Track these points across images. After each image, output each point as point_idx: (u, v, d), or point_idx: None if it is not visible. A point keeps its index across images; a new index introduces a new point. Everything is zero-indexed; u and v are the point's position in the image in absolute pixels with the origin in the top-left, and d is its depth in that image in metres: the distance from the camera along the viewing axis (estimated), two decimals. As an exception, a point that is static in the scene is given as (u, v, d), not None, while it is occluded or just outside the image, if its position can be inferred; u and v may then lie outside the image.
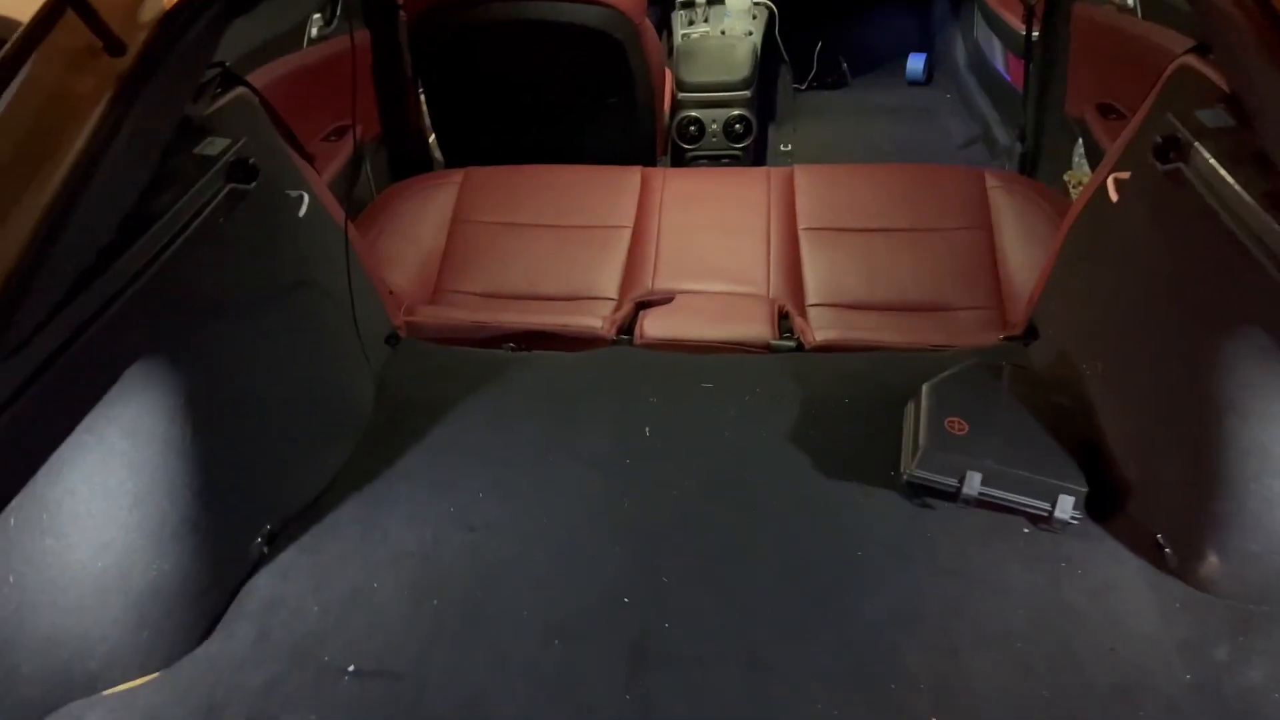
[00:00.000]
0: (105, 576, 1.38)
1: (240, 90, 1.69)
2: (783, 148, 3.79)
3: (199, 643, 1.46)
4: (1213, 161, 1.31)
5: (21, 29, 1.33)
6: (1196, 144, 1.36)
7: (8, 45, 1.28)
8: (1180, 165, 1.40)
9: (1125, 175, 1.63)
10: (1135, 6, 2.31)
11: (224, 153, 1.52)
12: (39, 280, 1.12)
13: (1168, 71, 1.58)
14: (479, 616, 1.49)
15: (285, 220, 1.74)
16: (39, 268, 1.12)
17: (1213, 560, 1.38)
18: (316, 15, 2.56)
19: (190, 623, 1.46)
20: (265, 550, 1.60)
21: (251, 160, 1.57)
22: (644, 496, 1.69)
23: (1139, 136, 1.63)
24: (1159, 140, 1.45)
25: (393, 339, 2.15)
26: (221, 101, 1.63)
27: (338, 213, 1.97)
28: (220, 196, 1.50)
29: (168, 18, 1.35)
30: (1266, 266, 1.19)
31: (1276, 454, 1.29)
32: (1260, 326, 1.27)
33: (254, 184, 1.57)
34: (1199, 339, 1.38)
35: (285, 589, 1.54)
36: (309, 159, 1.96)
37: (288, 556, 1.59)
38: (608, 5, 2.74)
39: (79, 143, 1.22)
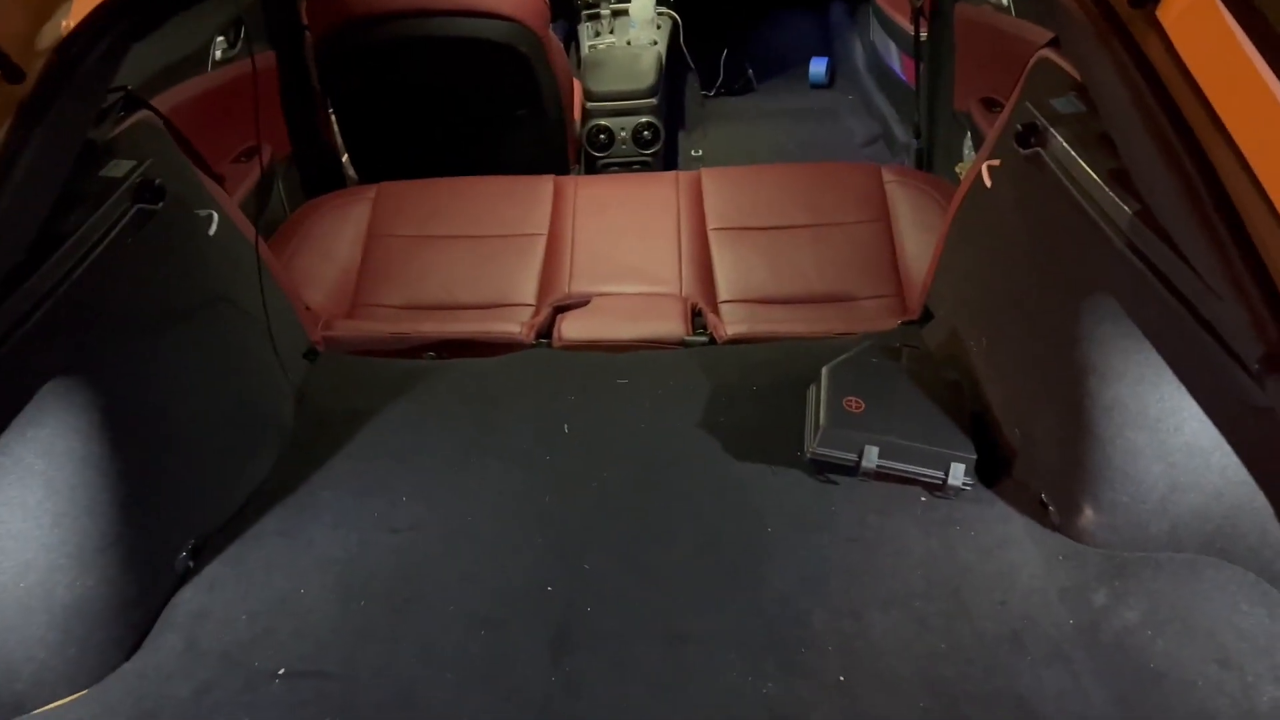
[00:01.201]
0: (29, 596, 1.39)
1: (144, 113, 1.71)
2: (693, 153, 3.89)
3: (127, 658, 1.48)
4: (1065, 145, 1.43)
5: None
6: (1051, 129, 1.48)
7: None
8: (1039, 150, 1.52)
9: (996, 162, 1.74)
10: (1009, 5, 2.45)
11: (129, 174, 1.55)
12: None
13: (1029, 64, 1.70)
14: (406, 613, 1.54)
15: (195, 239, 1.77)
16: None
17: (1087, 512, 1.49)
18: (219, 38, 2.57)
19: (117, 638, 1.47)
20: (190, 564, 1.62)
21: (158, 181, 1.59)
22: (564, 489, 1.76)
23: (1007, 126, 1.75)
24: (1020, 127, 1.57)
25: (311, 354, 2.18)
26: (125, 125, 1.65)
27: (249, 231, 1.99)
28: (127, 217, 1.52)
29: (65, 44, 1.38)
30: (1112, 238, 1.30)
31: (1134, 408, 1.40)
32: (1111, 293, 1.39)
33: (161, 204, 1.59)
34: (1062, 308, 1.49)
35: (212, 600, 1.56)
36: (218, 179, 1.98)
37: (214, 569, 1.61)
38: (511, 19, 2.81)
39: None
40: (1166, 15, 1.29)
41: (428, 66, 2.95)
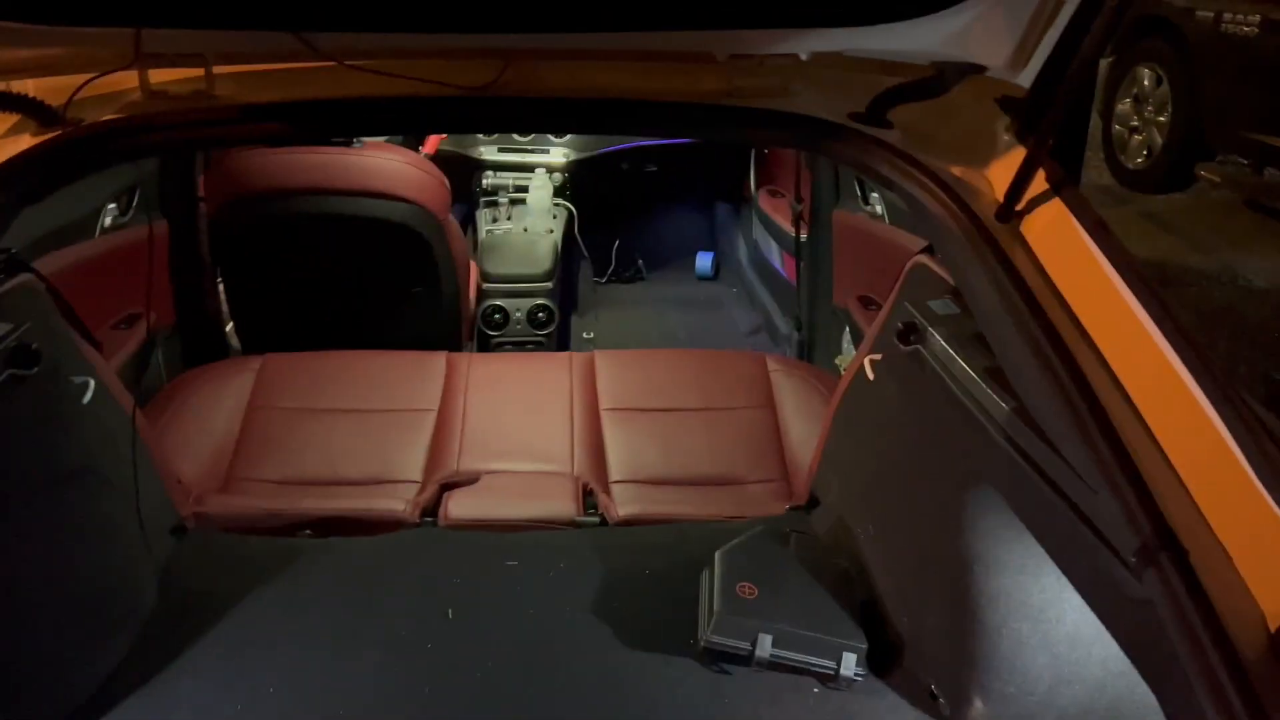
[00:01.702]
0: None
1: (25, 276, 1.66)
2: (585, 335, 3.98)
3: None
4: (943, 344, 1.52)
5: None
6: (930, 329, 1.58)
7: None
8: (919, 347, 1.61)
9: (878, 357, 1.84)
10: (883, 214, 2.66)
11: (4, 338, 1.48)
12: None
13: (906, 268, 1.83)
14: None
15: (67, 407, 1.68)
16: None
17: (977, 704, 1.50)
18: (111, 205, 2.55)
19: None
20: None
21: (34, 345, 1.53)
22: (447, 680, 1.67)
23: (886, 323, 1.86)
24: (900, 326, 1.67)
25: (179, 530, 2.05)
26: (5, 286, 1.59)
27: (125, 400, 1.91)
28: None
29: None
30: (991, 432, 1.37)
31: (1018, 598, 1.44)
32: (992, 484, 1.45)
33: (35, 369, 1.52)
34: (945, 498, 1.55)
35: None
36: (96, 345, 1.91)
37: None
38: (412, 202, 2.87)
39: None
40: (1030, 229, 1.42)
41: (324, 242, 2.97)
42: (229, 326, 3.27)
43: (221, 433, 2.54)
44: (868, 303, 2.81)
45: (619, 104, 1.64)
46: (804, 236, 3.33)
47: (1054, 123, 1.35)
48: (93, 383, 1.74)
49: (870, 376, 1.86)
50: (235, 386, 2.67)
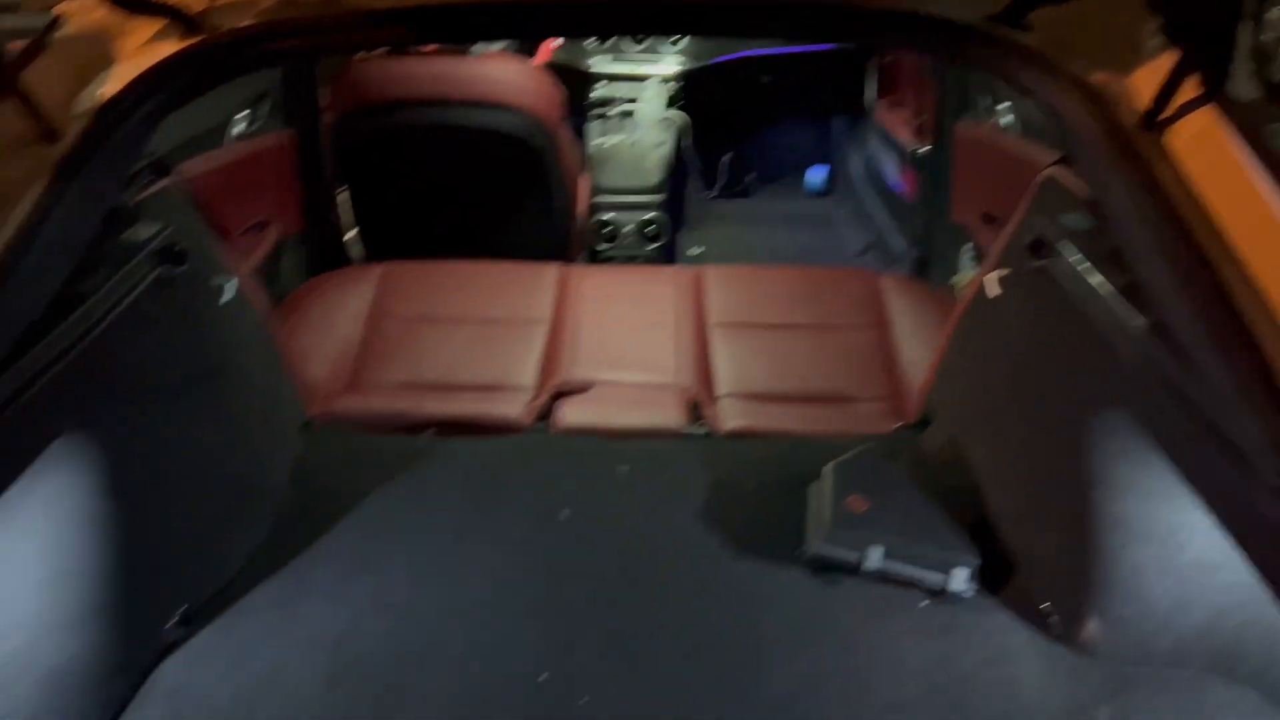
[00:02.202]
0: (13, 659, 1.35)
1: (169, 180, 1.74)
2: (692, 251, 3.96)
3: None
4: (1075, 259, 1.47)
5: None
6: (1060, 244, 1.52)
7: None
8: (1048, 263, 1.56)
9: (1002, 273, 1.78)
10: (1013, 125, 2.55)
11: (152, 238, 1.56)
12: None
13: (1037, 180, 1.76)
14: (396, 700, 1.50)
15: (208, 307, 1.78)
16: None
17: (1092, 625, 1.48)
18: (240, 114, 2.63)
19: (98, 707, 1.43)
20: (179, 633, 1.58)
21: (179, 247, 1.61)
22: (561, 576, 1.73)
23: (1013, 239, 1.80)
24: (1029, 241, 1.61)
25: (307, 427, 2.16)
26: (151, 190, 1.67)
27: (259, 302, 2.00)
28: (147, 281, 1.53)
29: (103, 110, 1.41)
30: (1124, 352, 1.33)
31: (1141, 523, 1.41)
32: (1122, 406, 1.41)
33: (180, 270, 1.60)
34: (1069, 420, 1.51)
35: (197, 673, 1.52)
36: (233, 249, 2.00)
37: (202, 639, 1.57)
38: (526, 113, 2.88)
39: (9, 227, 1.26)
40: (1176, 139, 1.35)
41: (442, 153, 3.02)
42: (349, 235, 3.37)
43: (346, 337, 2.64)
44: (990, 219, 2.72)
45: (742, 5, 1.60)
46: (924, 150, 3.22)
47: (1204, 27, 1.26)
48: (231, 284, 1.83)
49: (993, 293, 1.81)
50: (358, 293, 2.76)
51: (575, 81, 3.96)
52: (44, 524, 1.37)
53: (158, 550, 1.56)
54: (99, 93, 1.48)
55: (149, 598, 1.53)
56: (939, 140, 3.07)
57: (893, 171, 3.84)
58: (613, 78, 3.94)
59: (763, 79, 4.24)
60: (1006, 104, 2.60)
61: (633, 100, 3.88)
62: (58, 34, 1.54)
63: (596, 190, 3.51)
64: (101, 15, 1.55)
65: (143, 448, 1.54)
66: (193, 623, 1.61)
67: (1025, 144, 2.47)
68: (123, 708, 1.46)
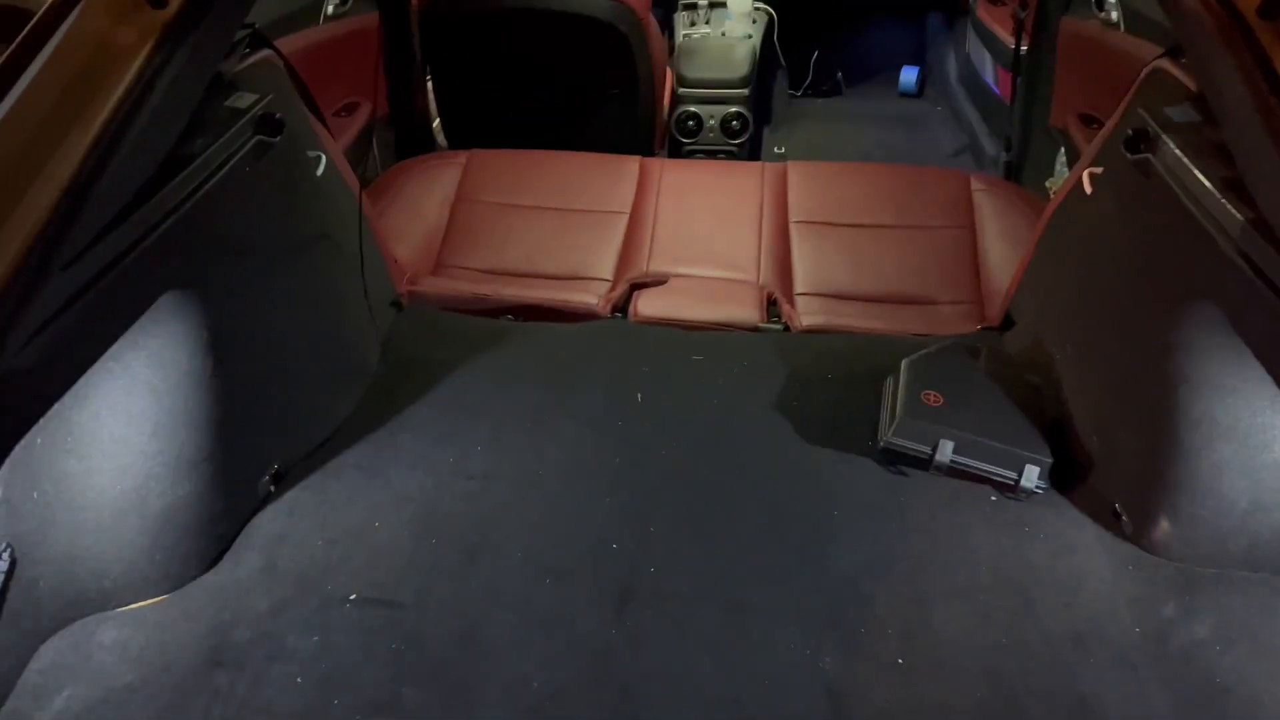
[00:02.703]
0: (123, 499, 1.45)
1: (267, 52, 1.77)
2: (777, 149, 3.90)
3: (207, 569, 1.54)
4: (1178, 151, 1.42)
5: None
6: (1164, 136, 1.47)
7: None
8: (1149, 156, 1.51)
9: (1098, 170, 1.73)
10: (1119, 21, 2.43)
11: (252, 106, 1.61)
12: (88, 203, 1.20)
13: (1142, 74, 1.69)
14: (475, 556, 1.58)
15: (304, 178, 1.83)
16: (88, 191, 1.20)
17: (1164, 525, 1.48)
18: (334, -6, 2.65)
19: (201, 549, 1.53)
20: (273, 488, 1.68)
21: (278, 115, 1.65)
22: (635, 454, 1.78)
23: (1113, 134, 1.74)
24: (1130, 133, 1.56)
25: (397, 304, 2.23)
26: (250, 60, 1.71)
27: (351, 179, 2.05)
28: (248, 147, 1.58)
29: (210, -27, 1.44)
30: (1223, 245, 1.29)
31: (1224, 421, 1.39)
32: (1215, 302, 1.38)
33: (279, 138, 1.65)
34: (1159, 316, 1.48)
35: (291, 524, 1.62)
36: (325, 126, 2.04)
37: (294, 495, 1.67)
38: None
39: (124, 84, 1.31)
40: (1295, 28, 1.28)
41: (528, 39, 3.00)
42: (435, 122, 3.39)
43: (432, 221, 2.69)
44: (1090, 121, 2.62)
45: None
46: (1024, 48, 3.09)
47: None
48: (325, 157, 1.87)
49: (1088, 189, 1.76)
50: (444, 178, 2.80)
51: (663, -30, 3.88)
52: (152, 375, 1.46)
53: (254, 409, 1.64)
54: (202, -41, 1.50)
55: (246, 453, 1.62)
56: (1041, 37, 2.94)
57: (989, 72, 3.69)
58: (703, -32, 3.84)
59: (859, -28, 4.09)
60: (1113, 0, 2.48)
61: (723, -9, 3.78)
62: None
63: (682, 82, 3.46)
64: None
65: (243, 310, 1.62)
66: (285, 479, 1.70)
67: (1133, 40, 2.36)
68: (223, 552, 1.57)
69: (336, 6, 2.67)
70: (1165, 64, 1.64)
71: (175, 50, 1.38)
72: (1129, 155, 1.56)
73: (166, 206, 1.39)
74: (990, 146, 3.58)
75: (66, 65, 1.31)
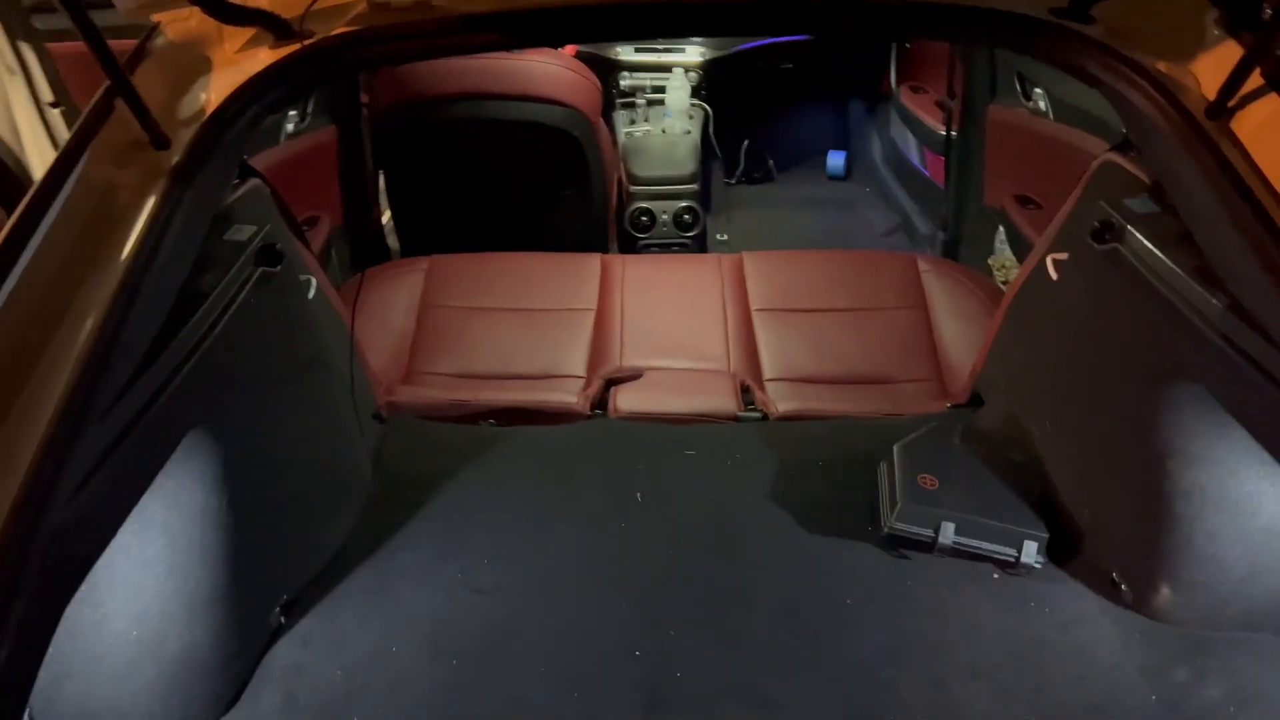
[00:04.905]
0: (140, 645, 1.41)
1: (255, 181, 1.79)
2: (719, 237, 4.02)
3: (225, 710, 1.50)
4: (1146, 243, 1.53)
5: (76, 125, 1.43)
6: (1129, 228, 1.58)
7: (67, 142, 1.39)
8: (1117, 246, 1.62)
9: (1063, 256, 1.85)
10: (1047, 111, 2.60)
11: (252, 239, 1.62)
12: (117, 349, 1.20)
13: (1094, 166, 1.82)
14: (497, 673, 1.57)
15: (299, 303, 1.84)
16: (116, 338, 1.20)
17: (1165, 592, 1.56)
18: (292, 112, 2.68)
19: (219, 690, 1.49)
20: (283, 620, 1.64)
21: (278, 245, 1.67)
22: (641, 555, 1.80)
23: (1071, 222, 1.86)
24: (1096, 225, 1.68)
25: (377, 416, 2.23)
26: (241, 190, 1.73)
27: (336, 298, 2.06)
28: (252, 280, 1.59)
29: (216, 115, 1.47)
30: (1200, 328, 1.40)
31: (1215, 492, 1.48)
32: (1196, 380, 1.48)
33: (279, 267, 1.66)
34: (1142, 394, 1.58)
35: (306, 655, 1.59)
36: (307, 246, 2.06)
37: (305, 624, 1.64)
38: (567, 106, 2.93)
39: (139, 229, 1.31)
40: (1243, 127, 1.41)
41: (482, 146, 3.07)
42: (387, 228, 3.42)
43: (399, 328, 2.70)
44: (1026, 202, 2.78)
45: (814, 2, 1.65)
46: (953, 134, 3.28)
47: (1269, 16, 1.32)
48: (315, 280, 1.89)
49: (1054, 275, 1.87)
50: (407, 286, 2.82)
51: (601, 71, 4.00)
52: (167, 517, 1.43)
53: (263, 540, 1.62)
54: (201, 98, 1.53)
55: (258, 585, 1.59)
56: (968, 123, 3.12)
57: (915, 154, 3.89)
58: (639, 67, 3.98)
59: (784, 65, 4.28)
60: (1039, 90, 2.66)
61: (660, 89, 3.93)
62: (157, 42, 1.60)
63: (633, 180, 3.57)
64: (197, 23, 1.60)
65: (250, 441, 1.60)
66: (294, 609, 1.67)
67: (1063, 128, 2.53)
68: (240, 690, 1.53)
69: (297, 124, 2.70)
70: (1114, 156, 1.77)
71: (184, 192, 1.39)
72: (1096, 245, 1.67)
73: (186, 347, 1.39)
74: (923, 225, 3.75)
75: (80, 213, 1.32)
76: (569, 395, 2.43)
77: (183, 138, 1.45)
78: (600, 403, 2.42)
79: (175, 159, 1.41)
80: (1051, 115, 2.58)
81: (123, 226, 1.32)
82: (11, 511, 1.02)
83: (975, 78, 3.03)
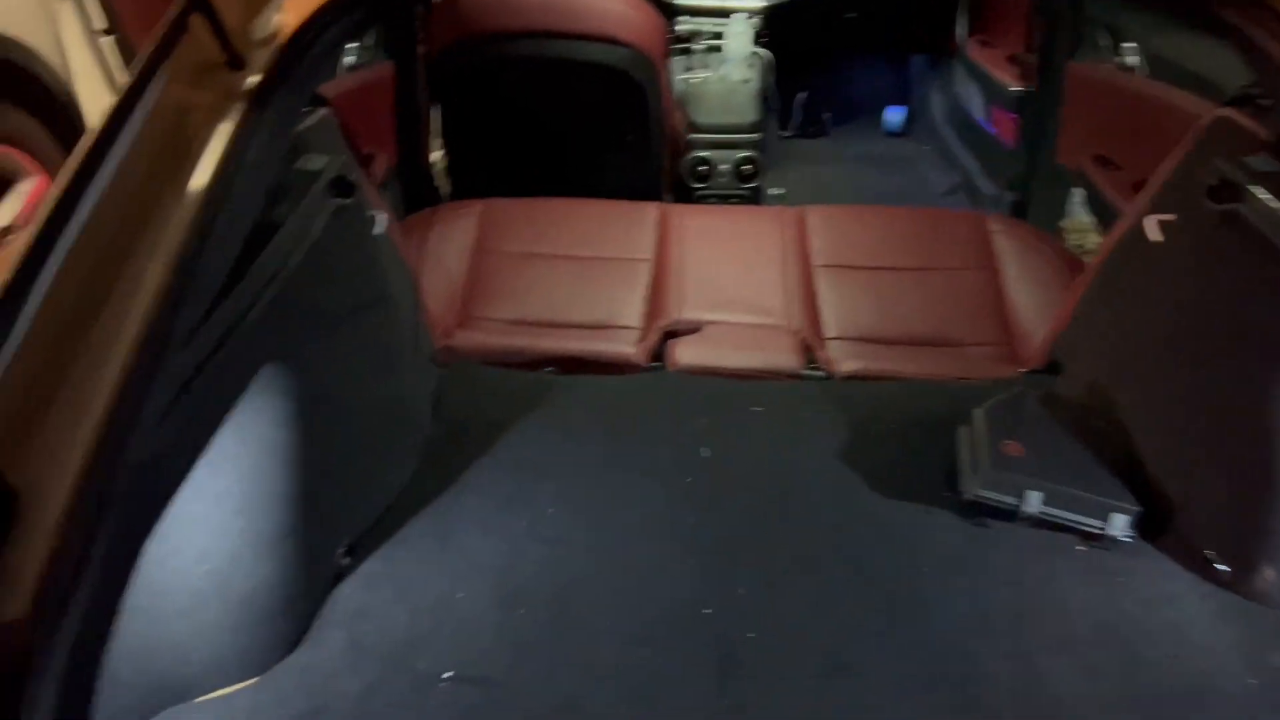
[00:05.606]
0: (206, 582, 1.38)
1: (326, 110, 1.73)
2: (774, 191, 3.92)
3: (291, 650, 1.47)
4: (1272, 202, 1.44)
5: (147, 47, 1.36)
6: (1252, 187, 1.49)
7: (136, 62, 1.33)
8: (1237, 206, 1.53)
9: (1166, 217, 1.75)
10: (1140, 66, 2.48)
11: (325, 169, 1.56)
12: (196, 278, 1.15)
13: (1204, 122, 1.72)
14: (564, 626, 1.53)
15: (368, 238, 1.78)
16: (195, 265, 1.15)
17: (1267, 572, 1.49)
18: (352, 45, 2.60)
19: (284, 630, 1.47)
20: (346, 561, 1.61)
21: (350, 177, 1.61)
22: (709, 512, 1.75)
23: (1175, 181, 1.76)
24: (1213, 184, 1.58)
25: (434, 360, 2.18)
26: (313, 119, 1.67)
27: (399, 237, 2.01)
28: (326, 211, 1.54)
29: (295, 38, 1.40)
30: None
31: None
32: None
33: (351, 199, 1.61)
34: (1251, 365, 1.50)
35: (370, 598, 1.56)
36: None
37: (369, 567, 1.61)
38: (631, 46, 2.84)
39: (219, 153, 1.26)
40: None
41: (542, 87, 2.99)
42: (438, 169, 3.35)
43: (454, 272, 2.65)
44: (1105, 162, 2.67)
45: None
46: (1026, 90, 3.15)
47: None
48: (381, 217, 1.83)
49: (1155, 237, 1.78)
50: (461, 228, 2.76)
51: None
52: (237, 451, 1.39)
53: (328, 480, 1.58)
54: (275, 20, 1.47)
55: (323, 526, 1.56)
56: (1045, 80, 3.00)
57: (981, 111, 3.76)
58: (698, 11, 3.86)
59: (848, 14, 4.14)
60: (1132, 44, 2.54)
61: (718, 35, 3.80)
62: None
63: (693, 128, 3.47)
64: (271, -59, 1.53)
65: (318, 379, 1.56)
66: (357, 552, 1.64)
67: (1156, 85, 2.41)
68: (304, 631, 1.50)
69: (355, 58, 2.62)
70: (1229, 113, 1.67)
71: (261, 115, 1.34)
72: (1214, 206, 1.58)
73: (262, 279, 1.34)
74: (987, 186, 3.63)
75: (155, 136, 1.27)
76: (625, 346, 2.37)
77: (259, 59, 1.39)
78: (657, 355, 2.37)
79: (252, 80, 1.35)
80: (1146, 72, 2.46)
81: (199, 150, 1.27)
82: (95, 441, 0.98)
83: (1056, 31, 2.91)
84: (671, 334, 2.46)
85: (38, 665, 0.90)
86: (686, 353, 2.35)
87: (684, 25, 3.85)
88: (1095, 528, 1.63)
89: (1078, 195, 2.81)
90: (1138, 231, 1.84)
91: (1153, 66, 2.43)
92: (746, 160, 3.46)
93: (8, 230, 2.88)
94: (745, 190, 3.51)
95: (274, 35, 1.44)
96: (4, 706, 0.86)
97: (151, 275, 1.12)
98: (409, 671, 1.44)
